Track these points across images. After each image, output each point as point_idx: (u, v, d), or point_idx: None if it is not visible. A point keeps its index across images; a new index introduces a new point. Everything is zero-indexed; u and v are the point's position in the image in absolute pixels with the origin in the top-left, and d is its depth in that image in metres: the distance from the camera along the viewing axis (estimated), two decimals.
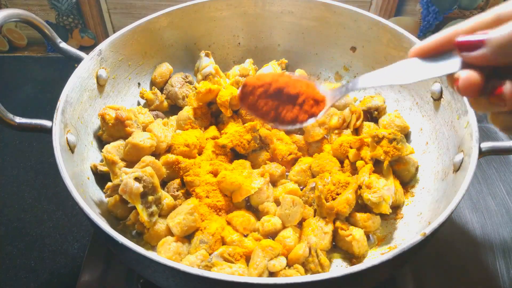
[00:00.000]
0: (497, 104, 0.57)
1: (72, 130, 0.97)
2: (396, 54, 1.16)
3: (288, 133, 1.15)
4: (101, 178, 1.02)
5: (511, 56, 0.54)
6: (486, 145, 0.88)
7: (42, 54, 1.70)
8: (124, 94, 1.19)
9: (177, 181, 1.00)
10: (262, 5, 1.28)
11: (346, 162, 1.06)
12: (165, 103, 1.22)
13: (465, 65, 0.57)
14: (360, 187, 0.98)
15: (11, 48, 1.69)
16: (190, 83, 1.24)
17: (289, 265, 0.88)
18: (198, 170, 1.01)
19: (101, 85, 1.10)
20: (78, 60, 1.05)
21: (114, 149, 1.02)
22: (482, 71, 0.56)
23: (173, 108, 1.23)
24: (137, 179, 0.88)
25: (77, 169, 0.95)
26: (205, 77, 1.22)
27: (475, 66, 0.56)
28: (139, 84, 1.24)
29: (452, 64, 0.59)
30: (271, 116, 0.79)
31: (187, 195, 1.00)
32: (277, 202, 0.98)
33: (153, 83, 1.25)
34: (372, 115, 1.17)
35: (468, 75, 0.56)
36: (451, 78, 0.60)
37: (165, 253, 0.88)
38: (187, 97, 1.20)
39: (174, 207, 0.96)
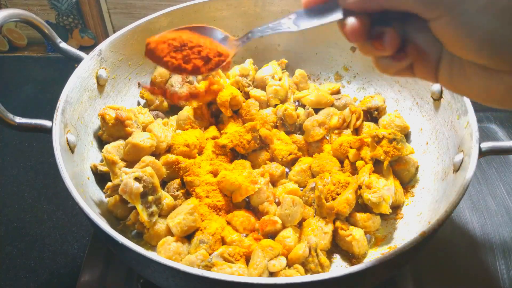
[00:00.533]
0: (379, 50, 0.62)
1: (72, 130, 0.97)
2: None
3: (288, 133, 1.15)
4: (101, 178, 1.02)
5: (374, 3, 0.58)
6: (486, 145, 0.88)
7: (42, 54, 1.70)
8: (124, 94, 1.19)
9: (177, 181, 1.00)
10: (262, 5, 1.28)
11: (346, 162, 1.06)
12: (165, 103, 1.22)
13: (347, 12, 0.62)
14: (360, 187, 0.98)
15: (11, 48, 1.69)
16: (190, 83, 1.24)
17: (289, 265, 0.88)
18: (198, 170, 1.01)
19: (101, 85, 1.10)
20: (78, 60, 1.05)
21: (114, 149, 1.02)
22: (367, 18, 0.60)
23: (173, 108, 1.23)
24: (137, 179, 0.88)
25: (77, 169, 0.95)
26: (205, 77, 1.22)
27: (357, 13, 0.61)
28: (139, 84, 1.24)
29: (337, 12, 0.64)
30: (175, 65, 0.78)
31: (187, 195, 1.00)
32: (277, 202, 0.98)
33: (153, 83, 1.25)
34: (372, 115, 1.17)
35: (352, 22, 0.61)
36: (341, 26, 0.65)
37: (165, 253, 0.88)
38: None
39: (174, 207, 0.96)
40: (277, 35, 1.32)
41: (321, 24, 0.66)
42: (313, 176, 1.06)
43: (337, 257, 0.96)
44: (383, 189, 0.95)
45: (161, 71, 1.24)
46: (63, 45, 1.06)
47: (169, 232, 0.92)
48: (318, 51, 1.31)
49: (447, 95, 1.02)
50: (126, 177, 0.88)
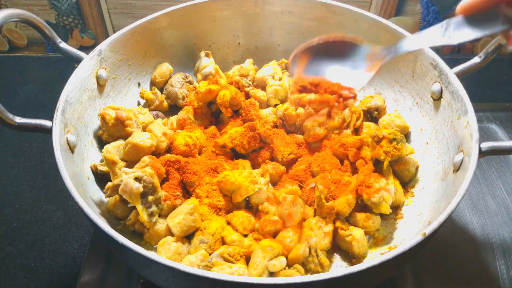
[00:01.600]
0: None
1: (72, 130, 0.97)
2: None
3: (288, 133, 1.15)
4: (101, 178, 1.02)
5: None
6: (486, 145, 0.88)
7: (42, 54, 1.70)
8: (124, 94, 1.19)
9: (177, 181, 1.00)
10: (262, 5, 1.28)
11: (346, 162, 1.06)
12: (165, 103, 1.22)
13: (508, 21, 0.57)
14: (360, 187, 0.98)
15: (11, 48, 1.69)
16: (190, 83, 1.24)
17: (289, 265, 0.88)
18: (198, 170, 1.01)
19: (101, 85, 1.10)
20: (78, 60, 1.05)
21: (114, 149, 1.02)
22: None
23: (173, 108, 1.23)
24: (137, 179, 0.88)
25: (77, 169, 0.95)
26: (205, 77, 1.22)
27: None
28: (139, 84, 1.24)
29: (496, 22, 0.58)
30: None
31: (187, 195, 1.00)
32: (277, 202, 0.98)
33: (153, 83, 1.25)
34: (372, 115, 1.17)
35: None
36: (505, 35, 0.59)
37: (165, 253, 0.88)
38: (187, 97, 1.20)
39: (174, 207, 0.96)
40: (277, 34, 1.33)
41: (479, 37, 0.59)
42: (313, 176, 1.06)
43: (337, 257, 0.96)
44: (383, 189, 0.95)
45: (160, 71, 1.24)
46: (63, 45, 1.06)
47: (169, 232, 0.92)
48: None
49: (447, 95, 1.02)
50: (126, 177, 0.88)
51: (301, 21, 1.28)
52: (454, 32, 0.61)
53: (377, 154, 1.00)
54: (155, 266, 0.72)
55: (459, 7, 0.60)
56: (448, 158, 0.98)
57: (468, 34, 0.60)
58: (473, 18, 0.59)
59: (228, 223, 0.95)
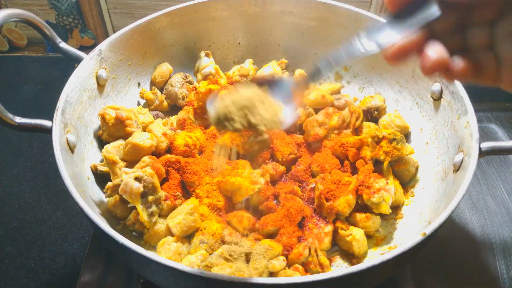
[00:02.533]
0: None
1: (72, 130, 0.97)
2: None
3: (288, 133, 1.14)
4: (101, 178, 1.02)
5: None
6: (486, 145, 0.88)
7: (42, 54, 1.70)
8: (124, 94, 1.19)
9: (177, 181, 1.00)
10: (262, 5, 1.28)
11: (346, 162, 1.06)
12: (165, 103, 1.22)
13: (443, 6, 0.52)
14: (360, 187, 0.98)
15: (11, 48, 1.68)
16: (190, 83, 1.24)
17: (289, 265, 0.88)
18: (198, 170, 1.01)
19: (101, 85, 1.10)
20: (78, 60, 1.05)
21: (114, 149, 1.02)
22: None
23: (173, 108, 1.23)
24: (137, 179, 0.88)
25: (77, 169, 0.95)
26: (205, 77, 1.22)
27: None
28: (139, 84, 1.24)
29: (430, 11, 0.52)
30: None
31: (187, 195, 1.00)
32: (277, 203, 0.98)
33: (153, 83, 1.25)
34: (372, 115, 1.17)
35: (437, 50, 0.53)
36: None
37: (165, 253, 0.88)
38: (187, 97, 1.20)
39: (174, 207, 0.96)
40: (277, 34, 1.33)
41: (412, 29, 0.51)
42: (313, 176, 1.06)
43: (337, 257, 0.96)
44: (383, 189, 0.95)
45: (160, 71, 1.24)
46: (63, 45, 1.06)
47: (169, 232, 0.92)
48: (318, 51, 1.31)
49: (447, 95, 1.02)
50: (126, 177, 0.88)
51: (301, 21, 1.28)
52: (380, 34, 0.54)
53: (377, 154, 1.00)
54: (155, 266, 0.72)
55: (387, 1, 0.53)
56: (448, 158, 0.98)
57: (389, 35, 0.53)
58: (398, 16, 0.53)
59: (228, 223, 0.95)
